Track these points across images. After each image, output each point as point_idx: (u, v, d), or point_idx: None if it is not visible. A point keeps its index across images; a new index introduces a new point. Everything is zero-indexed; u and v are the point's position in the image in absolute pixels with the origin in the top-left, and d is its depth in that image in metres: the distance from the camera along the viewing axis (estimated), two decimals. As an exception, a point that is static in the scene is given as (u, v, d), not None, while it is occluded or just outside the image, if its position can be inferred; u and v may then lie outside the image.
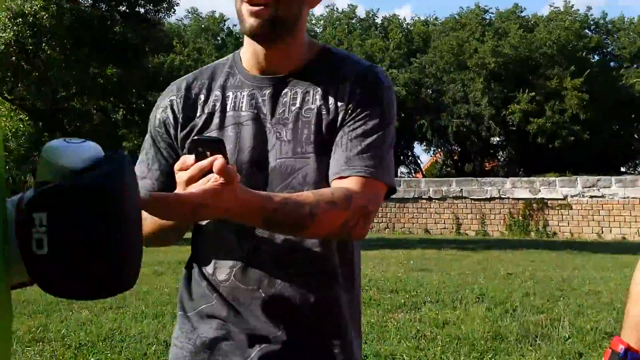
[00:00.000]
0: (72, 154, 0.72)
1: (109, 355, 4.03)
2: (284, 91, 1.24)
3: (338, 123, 1.21)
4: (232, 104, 1.26)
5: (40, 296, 5.64)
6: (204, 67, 1.35)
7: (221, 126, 1.25)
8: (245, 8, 1.16)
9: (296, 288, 1.20)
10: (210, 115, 1.26)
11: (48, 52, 16.59)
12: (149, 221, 1.14)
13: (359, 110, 1.21)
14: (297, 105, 1.23)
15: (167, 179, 1.25)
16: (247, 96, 1.25)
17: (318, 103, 1.22)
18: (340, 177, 1.18)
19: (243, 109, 1.25)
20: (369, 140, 1.20)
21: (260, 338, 1.21)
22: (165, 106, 1.30)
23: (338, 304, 1.24)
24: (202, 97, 1.28)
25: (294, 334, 1.21)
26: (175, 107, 1.29)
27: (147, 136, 1.33)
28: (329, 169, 1.20)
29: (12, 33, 15.77)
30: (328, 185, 1.19)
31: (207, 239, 1.27)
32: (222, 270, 1.23)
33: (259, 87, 1.25)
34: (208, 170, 0.96)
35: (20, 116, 17.65)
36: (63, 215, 0.68)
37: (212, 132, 1.25)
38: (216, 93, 1.28)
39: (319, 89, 1.23)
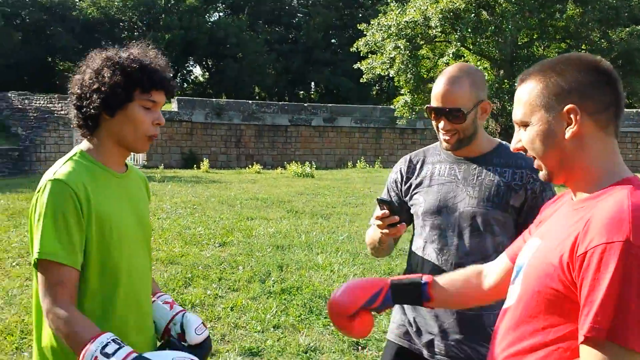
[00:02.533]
0: (196, 337, 1.84)
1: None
2: (472, 167, 2.07)
3: (521, 197, 1.99)
4: (438, 171, 2.14)
5: None
6: (421, 149, 2.26)
7: (430, 184, 2.12)
8: (441, 135, 2.05)
9: None
10: (425, 177, 2.15)
11: (503, 5, 17.70)
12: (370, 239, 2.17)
13: (538, 193, 1.99)
14: (483, 176, 2.05)
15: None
16: (448, 168, 2.12)
17: (496, 177, 2.03)
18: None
19: (446, 175, 2.11)
20: None
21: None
22: (396, 171, 2.25)
23: None
24: (419, 165, 2.20)
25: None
26: (402, 171, 2.24)
27: (385, 188, 2.28)
28: (506, 220, 2.00)
29: (471, -8, 17.52)
30: (495, 229, 1.99)
31: (415, 256, 2.14)
32: None
33: (456, 163, 2.11)
34: (384, 217, 1.87)
35: (485, 65, 19.41)
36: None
37: (425, 188, 2.13)
38: (428, 166, 2.18)
39: (498, 168, 2.04)
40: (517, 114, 1.39)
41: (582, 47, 19.28)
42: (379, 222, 1.90)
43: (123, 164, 1.86)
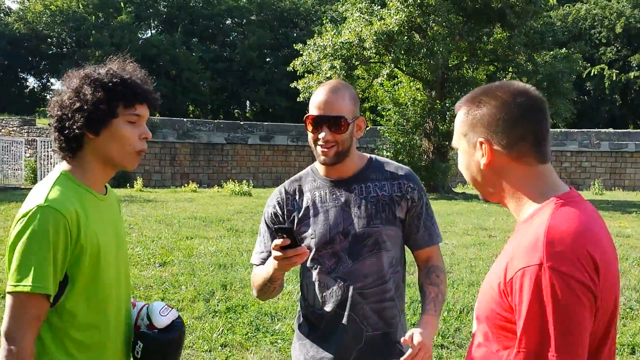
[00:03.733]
0: (161, 318, 1.83)
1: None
2: (352, 187, 2.04)
3: (404, 208, 2.02)
4: (320, 198, 2.06)
5: None
6: (292, 178, 2.20)
7: (315, 213, 2.04)
8: (319, 149, 2.01)
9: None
10: (307, 207, 2.06)
11: (434, 29, 18.33)
12: (258, 283, 2.03)
13: (417, 199, 2.05)
14: (364, 194, 2.03)
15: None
16: (328, 193, 2.06)
17: (377, 192, 2.03)
18: (426, 247, 2.06)
19: (329, 201, 2.05)
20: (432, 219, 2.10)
21: None
22: (273, 205, 2.14)
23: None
24: (297, 196, 2.10)
25: None
26: (281, 204, 2.12)
27: (262, 223, 2.16)
28: (395, 233, 2.01)
29: (404, 15, 18.05)
30: (387, 245, 2.00)
31: (314, 289, 2.04)
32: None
33: (336, 186, 2.07)
34: (284, 247, 1.75)
35: (417, 85, 19.99)
36: (149, 348, 1.81)
37: (310, 219, 2.03)
38: (307, 194, 2.08)
39: (377, 183, 2.04)
40: (453, 139, 1.50)
41: (509, 70, 20.16)
42: (278, 253, 1.77)
43: (104, 185, 1.82)
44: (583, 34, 39.36)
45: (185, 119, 27.02)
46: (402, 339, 1.81)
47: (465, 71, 20.27)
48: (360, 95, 20.25)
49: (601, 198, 20.15)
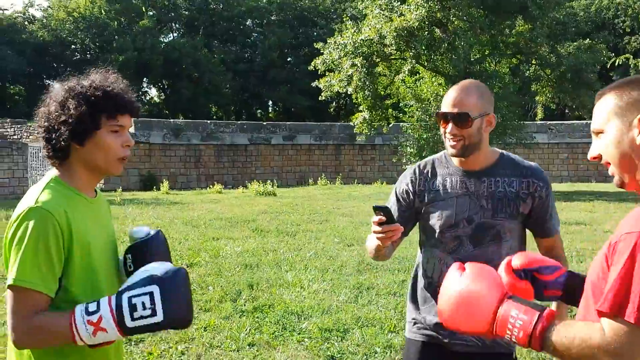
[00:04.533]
0: (138, 231, 1.94)
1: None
2: (482, 179, 2.22)
3: (529, 205, 2.20)
4: (450, 184, 2.26)
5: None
6: (427, 159, 2.37)
7: (444, 197, 2.24)
8: (447, 140, 2.18)
9: None
10: (437, 190, 2.26)
11: (455, 23, 18.21)
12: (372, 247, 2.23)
13: (545, 197, 2.22)
14: (493, 188, 2.21)
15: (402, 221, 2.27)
16: (459, 181, 2.25)
17: (505, 187, 2.20)
18: (551, 235, 2.26)
19: (458, 188, 2.24)
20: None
21: None
22: (407, 182, 2.34)
23: None
24: (429, 177, 2.30)
25: None
26: (413, 182, 2.33)
27: (392, 195, 2.39)
28: (517, 227, 2.21)
29: (424, 10, 17.96)
30: (507, 236, 2.20)
31: (433, 266, 2.28)
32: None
33: (466, 176, 2.25)
34: (381, 224, 1.97)
35: (439, 81, 19.86)
36: (135, 254, 1.90)
37: (439, 202, 2.25)
38: (439, 178, 2.28)
39: (505, 179, 2.22)
40: (594, 122, 1.54)
41: (533, 62, 19.94)
42: (377, 228, 1.99)
43: (94, 189, 1.90)
44: (607, 23, 38.74)
45: (208, 121, 27.22)
46: None
47: (487, 65, 20.05)
48: (381, 92, 20.24)
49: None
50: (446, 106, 2.18)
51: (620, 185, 1.52)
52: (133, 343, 4.79)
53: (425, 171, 2.32)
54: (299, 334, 4.97)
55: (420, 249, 2.40)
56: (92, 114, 1.74)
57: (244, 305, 5.76)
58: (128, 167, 23.56)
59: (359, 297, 6.07)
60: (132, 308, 1.61)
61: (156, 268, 1.68)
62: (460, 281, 1.59)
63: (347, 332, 5.03)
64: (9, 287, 1.65)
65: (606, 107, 1.50)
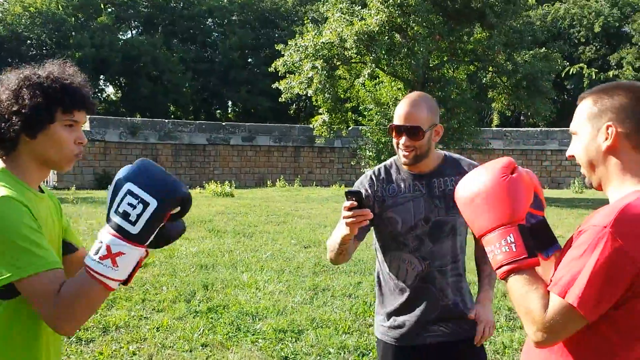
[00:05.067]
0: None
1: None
2: (431, 180, 2.40)
3: None
4: (405, 188, 2.40)
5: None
6: (379, 166, 2.51)
7: (402, 202, 2.39)
8: (400, 151, 2.35)
9: None
10: (394, 195, 2.40)
11: (415, 29, 18.42)
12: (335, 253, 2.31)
13: None
14: (442, 187, 2.39)
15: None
16: (412, 184, 2.41)
17: (453, 185, 2.33)
18: None
19: (412, 191, 2.40)
20: None
21: None
22: (365, 188, 2.43)
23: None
24: (385, 183, 2.43)
25: None
26: (373, 188, 2.44)
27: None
28: (461, 222, 2.34)
29: (384, 15, 18.11)
30: (460, 229, 2.39)
31: (398, 267, 2.43)
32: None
33: (417, 179, 2.42)
34: (352, 208, 2.03)
35: (399, 85, 20.07)
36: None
37: (398, 207, 2.38)
38: (393, 184, 2.42)
39: (452, 177, 2.39)
40: (572, 124, 1.62)
41: (489, 69, 20.29)
42: (347, 214, 2.06)
43: (39, 185, 1.81)
44: (562, 33, 39.76)
45: (166, 120, 26.87)
46: (469, 315, 2.36)
47: (445, 71, 20.35)
48: (341, 95, 20.32)
49: (581, 196, 20.39)
50: (399, 119, 2.33)
51: (589, 185, 1.61)
52: (84, 343, 4.69)
53: (380, 178, 2.46)
54: (253, 334, 4.95)
55: (380, 254, 2.50)
56: (47, 106, 1.65)
57: (198, 305, 5.71)
58: (83, 166, 23.08)
59: (314, 299, 6.07)
60: (125, 216, 1.51)
61: (116, 175, 1.60)
62: (502, 180, 1.56)
63: (302, 333, 5.03)
64: (16, 283, 1.54)
65: (583, 111, 1.59)
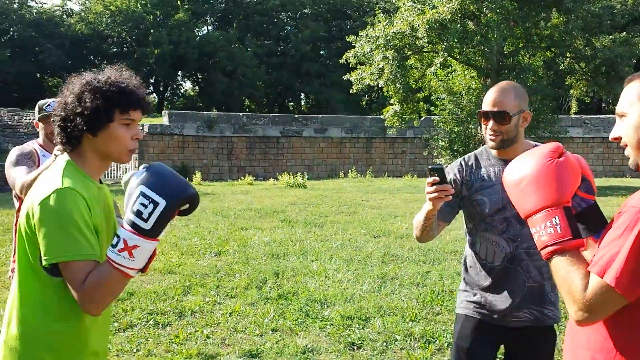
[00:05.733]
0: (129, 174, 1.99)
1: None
2: None
3: None
4: (493, 173, 2.51)
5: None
6: (470, 154, 2.63)
7: (490, 185, 2.49)
8: (487, 135, 2.46)
9: None
10: (483, 179, 2.52)
11: (488, 16, 18.02)
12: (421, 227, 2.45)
13: None
14: None
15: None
16: (501, 169, 2.47)
17: None
18: None
19: (500, 176, 2.44)
20: None
21: None
22: (453, 173, 2.57)
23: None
24: (474, 168, 2.56)
25: None
26: (461, 173, 2.58)
27: None
28: None
29: (457, 2, 17.82)
30: None
31: (486, 249, 2.52)
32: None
33: (506, 164, 2.53)
34: (435, 184, 2.18)
35: (472, 74, 19.70)
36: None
37: (486, 189, 2.48)
38: (483, 169, 2.54)
39: None
40: (619, 105, 1.61)
41: (567, 55, 19.61)
42: (430, 189, 2.20)
43: (99, 178, 2.02)
44: (646, 15, 37.75)
45: (241, 114, 27.47)
46: None
47: (521, 58, 19.82)
48: (413, 85, 20.14)
49: (621, 184, 19.41)
50: (487, 105, 2.46)
51: (636, 167, 1.60)
52: (160, 326, 4.96)
53: (470, 163, 2.58)
54: (322, 321, 5.08)
55: (469, 237, 2.61)
56: (106, 107, 1.86)
57: (269, 292, 5.90)
58: (162, 159, 23.98)
59: (382, 287, 6.14)
60: (138, 214, 1.74)
61: (132, 179, 1.83)
62: (548, 164, 1.61)
63: (369, 320, 5.12)
64: (59, 265, 1.77)
65: (632, 92, 1.57)
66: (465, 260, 2.64)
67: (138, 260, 1.75)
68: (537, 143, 2.50)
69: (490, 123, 2.44)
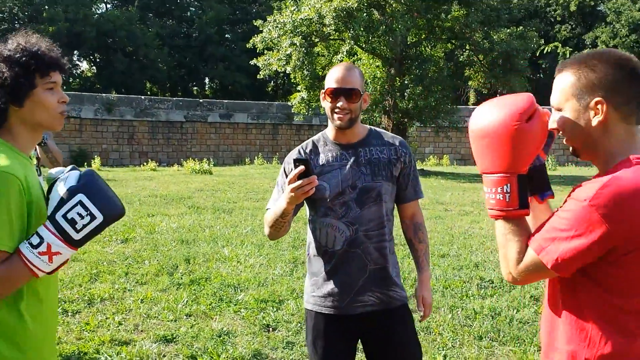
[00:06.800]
0: (57, 172, 1.88)
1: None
2: (358, 150, 2.48)
3: (398, 169, 2.50)
4: (332, 158, 2.48)
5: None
6: (307, 141, 2.58)
7: (329, 170, 2.47)
8: (335, 115, 2.41)
9: None
10: (322, 165, 2.48)
11: (393, 6, 18.48)
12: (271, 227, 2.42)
13: (408, 162, 2.54)
14: (368, 156, 2.48)
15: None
16: (339, 154, 2.48)
17: (378, 155, 2.48)
18: (411, 200, 2.57)
19: (339, 160, 2.48)
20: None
21: None
22: (290, 162, 2.48)
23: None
24: (312, 155, 2.50)
25: None
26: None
27: (281, 176, 2.54)
28: (392, 189, 2.49)
29: (362, -8, 18.12)
30: (386, 197, 2.46)
31: (326, 233, 2.48)
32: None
33: (344, 149, 2.50)
34: (300, 176, 2.14)
35: (377, 63, 20.16)
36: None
37: (325, 175, 2.44)
38: (321, 155, 2.51)
39: (377, 147, 2.49)
40: (553, 99, 1.61)
41: (466, 47, 20.47)
42: (295, 184, 2.16)
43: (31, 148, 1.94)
44: (539, 11, 40.07)
45: (142, 97, 26.67)
46: (417, 307, 2.54)
47: (423, 48, 20.51)
48: (320, 73, 20.33)
49: (554, 173, 20.78)
50: (336, 82, 2.41)
51: (575, 156, 1.65)
52: (70, 314, 4.80)
53: (308, 150, 2.55)
54: (236, 304, 5.10)
55: (310, 223, 2.56)
56: (25, 74, 1.79)
57: (181, 278, 5.83)
58: (58, 143, 22.80)
59: (294, 271, 6.23)
60: (72, 222, 1.69)
61: (67, 180, 1.77)
62: (512, 128, 1.55)
63: (282, 302, 5.19)
64: None
65: (564, 86, 1.57)
66: (308, 250, 2.59)
67: (54, 265, 1.72)
68: (370, 127, 2.59)
69: (341, 101, 2.39)
